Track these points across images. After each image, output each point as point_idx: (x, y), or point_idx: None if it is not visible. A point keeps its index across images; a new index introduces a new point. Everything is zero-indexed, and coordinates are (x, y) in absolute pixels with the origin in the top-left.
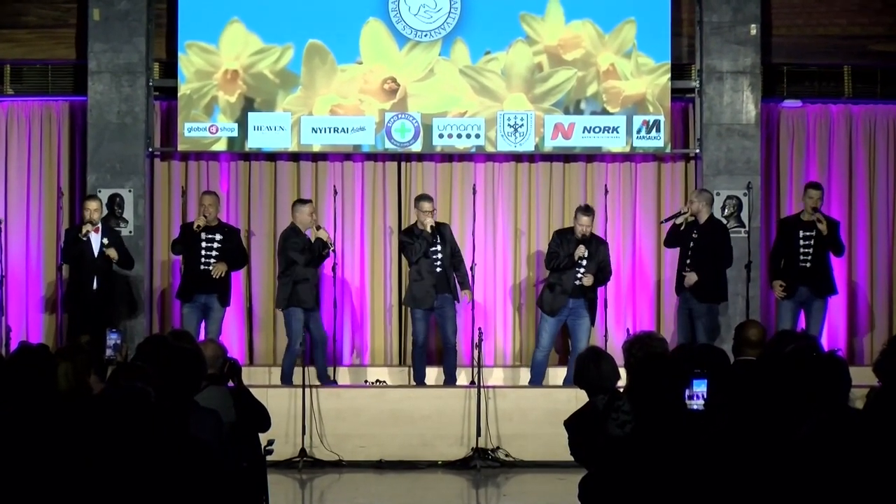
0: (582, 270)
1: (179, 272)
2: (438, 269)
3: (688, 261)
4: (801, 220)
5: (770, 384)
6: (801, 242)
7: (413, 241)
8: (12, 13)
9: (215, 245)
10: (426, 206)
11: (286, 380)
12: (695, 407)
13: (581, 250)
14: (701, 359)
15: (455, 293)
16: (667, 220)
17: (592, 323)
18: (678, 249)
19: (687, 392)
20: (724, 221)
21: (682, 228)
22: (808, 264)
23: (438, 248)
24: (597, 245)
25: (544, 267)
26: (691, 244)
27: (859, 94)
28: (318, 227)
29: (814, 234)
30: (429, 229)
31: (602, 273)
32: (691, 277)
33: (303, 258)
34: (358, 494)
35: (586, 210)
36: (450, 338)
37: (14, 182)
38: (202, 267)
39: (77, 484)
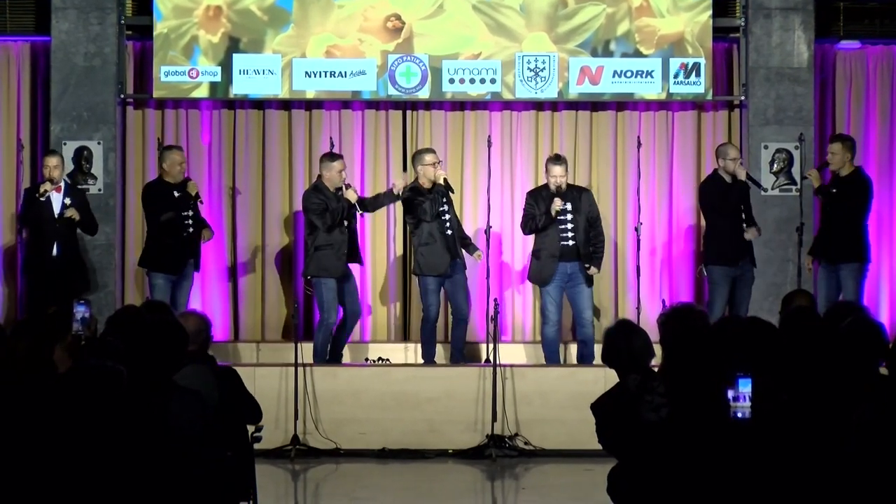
0: (570, 227)
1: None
2: (449, 232)
3: (744, 224)
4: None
5: (825, 364)
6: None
7: (425, 199)
8: None
9: (190, 205)
10: (429, 158)
11: (318, 358)
12: (739, 414)
13: (556, 203)
14: (749, 335)
15: (462, 262)
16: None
17: (590, 285)
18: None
19: (731, 393)
20: (775, 178)
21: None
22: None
23: (446, 208)
24: (579, 195)
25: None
26: (742, 205)
27: None
28: (348, 186)
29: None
30: (441, 181)
31: (596, 233)
32: (753, 232)
33: (321, 221)
34: (357, 487)
35: (557, 159)
36: (463, 308)
37: None
38: (189, 231)
39: (40, 475)
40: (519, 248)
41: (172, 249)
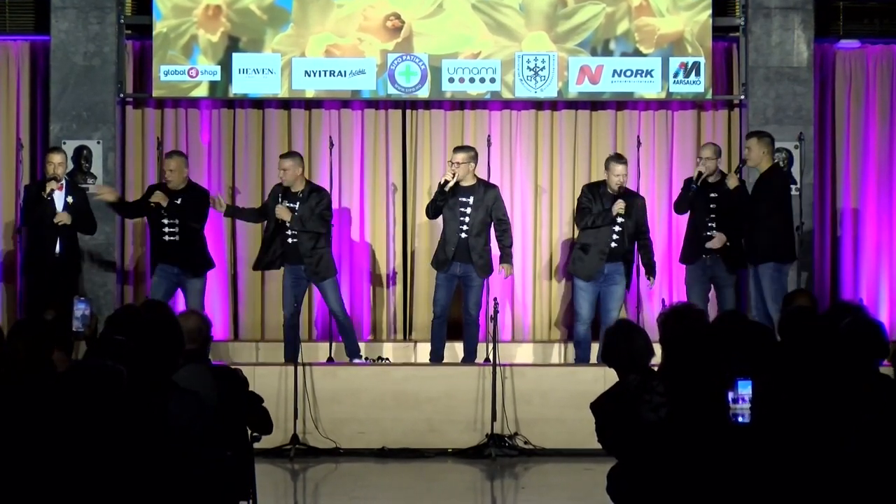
0: (619, 229)
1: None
2: (462, 235)
3: (710, 224)
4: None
5: (825, 364)
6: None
7: (438, 197)
8: None
9: (176, 211)
10: (452, 156)
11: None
12: (739, 417)
13: (619, 205)
14: (749, 336)
15: (478, 268)
16: (692, 191)
17: (628, 288)
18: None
19: (730, 395)
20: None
21: (694, 189)
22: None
23: (468, 209)
24: (632, 200)
25: (575, 226)
26: (712, 205)
27: None
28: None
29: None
30: (442, 181)
31: (643, 237)
32: (720, 238)
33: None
34: (357, 486)
35: (620, 158)
36: (469, 310)
37: None
38: (165, 238)
39: (40, 474)
40: (518, 248)
41: (153, 249)
